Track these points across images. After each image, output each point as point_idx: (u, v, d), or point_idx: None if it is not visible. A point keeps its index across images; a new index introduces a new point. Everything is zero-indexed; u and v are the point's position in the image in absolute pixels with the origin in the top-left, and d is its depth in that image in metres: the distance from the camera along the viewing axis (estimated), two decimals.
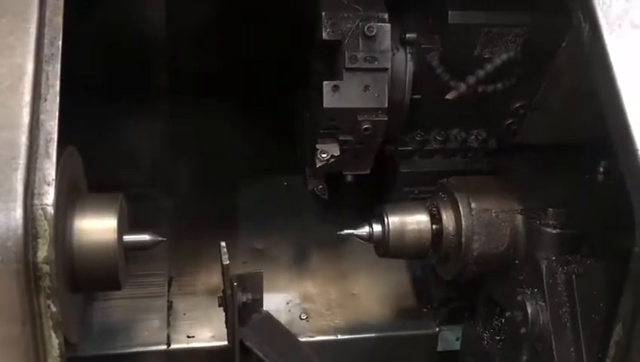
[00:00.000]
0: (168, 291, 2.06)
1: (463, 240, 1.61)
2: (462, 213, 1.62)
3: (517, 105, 1.78)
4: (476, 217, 1.61)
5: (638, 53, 1.30)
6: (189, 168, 2.24)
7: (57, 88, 1.19)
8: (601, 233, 1.53)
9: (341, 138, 1.77)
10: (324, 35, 1.68)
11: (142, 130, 2.20)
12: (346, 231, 1.68)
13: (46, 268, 1.13)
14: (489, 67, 1.67)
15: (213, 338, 1.97)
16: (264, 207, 2.26)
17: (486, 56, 1.70)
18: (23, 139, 1.13)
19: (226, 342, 1.67)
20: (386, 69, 1.70)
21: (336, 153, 1.77)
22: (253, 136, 2.26)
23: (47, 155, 1.15)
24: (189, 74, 2.22)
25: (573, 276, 1.51)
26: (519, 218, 1.61)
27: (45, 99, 1.18)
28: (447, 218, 1.64)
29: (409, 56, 1.80)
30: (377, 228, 1.66)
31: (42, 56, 1.20)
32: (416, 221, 1.66)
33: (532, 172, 1.72)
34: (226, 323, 1.61)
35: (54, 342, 1.15)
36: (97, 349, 1.91)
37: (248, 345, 1.57)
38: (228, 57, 2.20)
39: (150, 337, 1.97)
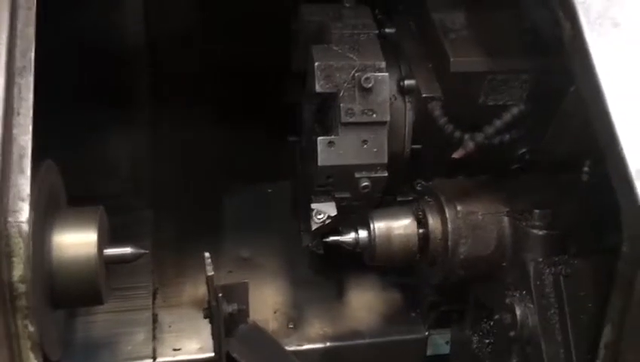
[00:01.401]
0: (153, 303, 2.04)
1: (450, 243, 1.59)
2: (448, 216, 1.59)
3: (523, 150, 1.72)
4: (462, 220, 1.59)
5: (620, 51, 1.29)
6: (170, 177, 2.20)
7: (31, 102, 1.17)
8: (588, 233, 1.52)
9: (337, 195, 1.68)
10: (318, 88, 1.58)
11: (122, 139, 2.17)
12: (332, 238, 1.66)
13: (22, 287, 1.10)
14: (499, 123, 1.59)
15: (201, 350, 1.95)
16: (249, 215, 2.24)
17: (491, 104, 1.63)
18: None
19: (212, 354, 1.64)
20: (385, 122, 1.60)
21: (333, 213, 1.67)
22: (236, 143, 2.24)
23: (21, 171, 1.13)
24: (170, 81, 2.19)
25: (561, 277, 1.49)
26: (505, 220, 1.59)
27: (18, 113, 1.15)
28: (434, 221, 1.62)
29: (408, 105, 1.70)
30: (363, 234, 1.63)
31: (14, 68, 1.16)
32: (403, 226, 1.63)
33: (517, 172, 1.71)
34: (212, 334, 1.59)
35: None
36: None
37: (235, 356, 1.55)
38: (209, 63, 2.18)
39: (135, 351, 1.95)
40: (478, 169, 1.70)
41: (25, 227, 1.10)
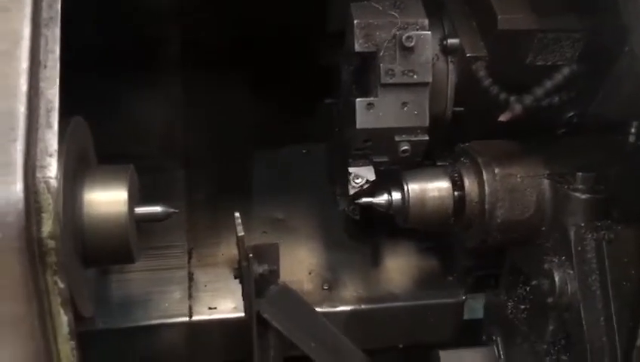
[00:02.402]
0: (189, 263, 2.05)
1: (487, 206, 1.54)
2: (485, 179, 1.54)
3: (570, 114, 1.64)
4: (500, 183, 1.54)
5: None
6: (204, 138, 2.19)
7: (57, 54, 1.14)
8: (632, 197, 1.45)
9: (375, 159, 1.64)
10: (357, 47, 1.52)
11: (155, 101, 2.15)
12: (365, 200, 1.63)
13: (51, 243, 1.09)
14: (549, 84, 1.51)
15: (236, 309, 1.96)
16: (283, 176, 2.21)
17: (539, 64, 1.55)
18: (22, 108, 1.07)
19: None
20: (427, 84, 1.54)
21: (372, 178, 1.63)
22: (269, 104, 2.20)
23: (49, 125, 1.11)
24: (203, 43, 2.16)
25: (604, 242, 1.44)
26: (545, 183, 1.54)
27: (45, 66, 1.12)
28: (470, 184, 1.57)
29: (451, 65, 1.63)
30: (397, 196, 1.60)
31: (40, 19, 1.13)
32: (437, 188, 1.59)
33: (558, 135, 1.64)
34: (243, 295, 1.59)
35: (63, 319, 1.12)
36: (118, 322, 1.92)
37: (266, 317, 1.55)
38: (240, 26, 2.14)
39: (171, 309, 1.97)
40: (523, 133, 1.63)
41: (54, 183, 1.09)
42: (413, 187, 1.59)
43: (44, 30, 1.13)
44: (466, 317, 2.03)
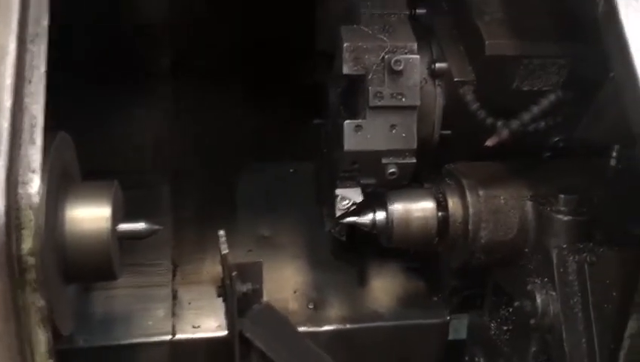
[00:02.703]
0: (172, 280, 2.04)
1: (470, 227, 1.55)
2: (469, 200, 1.55)
3: (556, 138, 1.67)
4: (484, 204, 1.55)
5: None
6: (191, 154, 2.19)
7: (43, 70, 1.14)
8: (614, 219, 1.47)
9: (363, 181, 1.64)
10: (346, 70, 1.53)
11: (143, 115, 2.16)
12: (349, 219, 1.63)
13: (31, 260, 1.09)
14: (536, 110, 1.53)
15: (219, 327, 1.94)
16: (270, 194, 2.22)
17: (525, 89, 1.57)
18: (5, 124, 1.07)
19: None
20: (415, 107, 1.55)
21: (358, 199, 1.64)
22: (258, 121, 2.21)
23: (32, 141, 1.11)
24: (192, 58, 2.17)
25: (586, 264, 1.44)
26: (529, 204, 1.55)
27: (30, 82, 1.13)
28: (454, 205, 1.58)
29: (439, 89, 1.64)
30: (381, 215, 1.60)
31: (26, 35, 1.14)
32: (422, 208, 1.59)
33: (542, 157, 1.65)
34: (226, 313, 1.58)
35: (41, 337, 1.11)
36: (101, 340, 1.90)
37: (248, 336, 1.54)
38: (232, 39, 2.15)
39: (155, 327, 1.96)
40: (510, 156, 1.64)
41: (35, 199, 1.09)
42: (398, 207, 1.59)
43: (30, 46, 1.14)
44: (450, 337, 2.03)
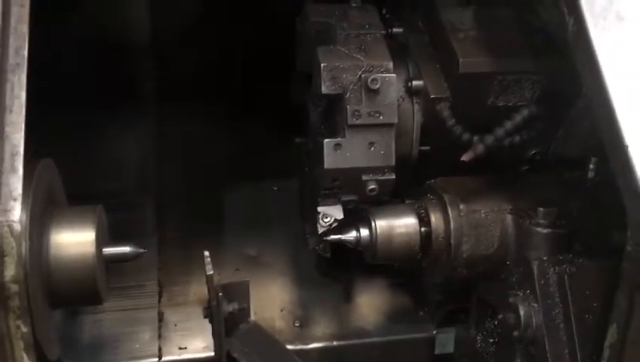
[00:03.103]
0: (159, 302, 2.03)
1: (453, 242, 1.57)
2: (450, 215, 1.57)
3: (533, 152, 1.69)
4: (465, 218, 1.57)
5: (624, 46, 1.26)
6: (176, 175, 2.20)
7: (23, 99, 1.16)
8: (592, 231, 1.49)
9: (344, 198, 1.66)
10: (324, 89, 1.56)
11: (128, 138, 2.16)
12: (333, 237, 1.64)
13: (14, 287, 1.10)
14: (509, 125, 1.56)
15: (206, 348, 1.94)
16: (255, 213, 2.22)
17: (500, 105, 1.60)
18: None
19: None
20: (393, 124, 1.58)
21: (340, 216, 1.66)
22: (242, 141, 2.22)
23: (14, 170, 1.12)
24: (176, 79, 2.19)
25: (566, 276, 1.46)
26: (509, 218, 1.57)
27: (11, 111, 1.15)
28: (436, 220, 1.60)
29: (416, 106, 1.67)
30: (365, 232, 1.61)
31: (7, 65, 1.16)
32: (405, 224, 1.61)
33: (521, 171, 1.68)
34: (213, 334, 1.58)
35: None
36: None
37: (236, 356, 1.54)
38: (215, 61, 2.17)
39: (141, 350, 1.94)
40: (488, 170, 1.67)
41: (17, 227, 1.10)
42: (381, 223, 1.61)
43: (10, 76, 1.16)
44: (437, 351, 2.03)
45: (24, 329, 1.10)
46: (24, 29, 1.19)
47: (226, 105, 2.20)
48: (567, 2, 1.30)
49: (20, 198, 1.10)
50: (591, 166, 1.47)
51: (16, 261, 1.09)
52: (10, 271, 1.09)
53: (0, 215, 1.09)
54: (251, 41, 2.12)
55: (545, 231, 1.50)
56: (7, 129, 1.13)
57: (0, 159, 1.11)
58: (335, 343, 2.02)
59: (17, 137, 1.13)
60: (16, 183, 1.11)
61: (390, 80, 1.58)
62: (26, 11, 1.20)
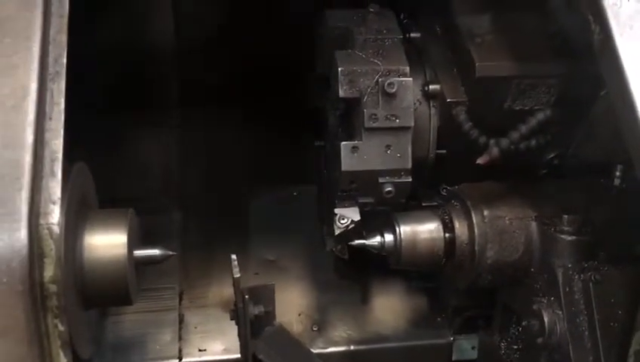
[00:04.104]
0: (179, 304, 2.05)
1: (477, 248, 1.58)
2: (474, 221, 1.58)
3: (551, 156, 1.70)
4: (489, 225, 1.58)
5: None
6: (199, 179, 2.22)
7: (62, 106, 1.18)
8: (618, 239, 1.49)
9: (361, 200, 1.67)
10: (341, 93, 1.58)
11: (152, 143, 2.19)
12: (357, 242, 1.66)
13: (53, 287, 1.11)
14: (524, 129, 1.57)
15: (226, 351, 1.96)
16: (275, 218, 2.24)
17: (517, 109, 1.61)
18: (27, 158, 1.11)
19: (238, 355, 1.65)
20: (409, 128, 1.60)
21: (357, 218, 1.67)
22: (263, 146, 2.25)
23: (53, 174, 1.14)
24: (199, 85, 2.21)
25: (591, 283, 1.47)
26: (533, 225, 1.58)
27: (50, 118, 1.17)
28: (460, 226, 1.61)
29: (433, 110, 1.69)
30: (389, 237, 1.63)
31: (46, 74, 1.18)
32: (429, 230, 1.62)
33: (545, 177, 1.69)
34: (239, 336, 1.59)
35: (63, 361, 1.14)
36: None
37: (261, 358, 1.56)
38: (238, 68, 2.20)
39: (162, 351, 1.96)
40: (505, 174, 1.68)
41: (56, 229, 1.11)
42: (405, 229, 1.62)
43: (49, 84, 1.18)
44: (454, 358, 2.04)
45: (61, 328, 1.12)
46: (63, 38, 1.22)
47: (247, 110, 2.23)
48: (592, 10, 1.31)
49: (58, 202, 1.12)
50: (617, 173, 1.48)
51: (55, 262, 1.11)
52: (49, 273, 1.10)
53: (40, 218, 1.10)
54: (271, 47, 2.15)
55: (570, 238, 1.51)
56: (47, 135, 1.15)
57: (40, 164, 1.13)
58: (352, 347, 2.03)
59: (56, 143, 1.16)
60: (55, 188, 1.13)
61: (407, 84, 1.60)
62: (65, 22, 1.23)
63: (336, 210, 1.69)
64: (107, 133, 2.06)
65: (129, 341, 1.97)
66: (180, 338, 1.99)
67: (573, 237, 1.51)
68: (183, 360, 1.96)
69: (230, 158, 2.23)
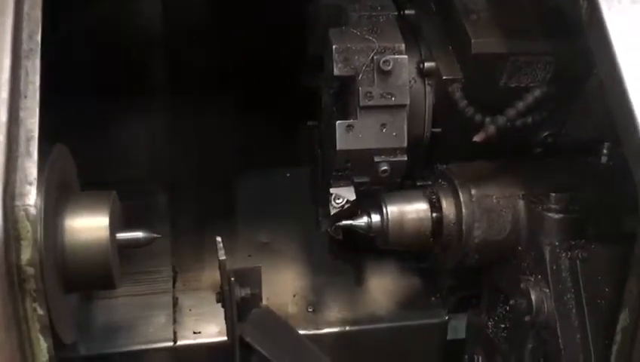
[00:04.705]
0: (173, 287, 2.06)
1: (464, 227, 1.57)
2: (462, 200, 1.57)
3: (545, 134, 1.69)
4: (477, 204, 1.57)
5: (638, 28, 1.25)
6: (188, 162, 2.22)
7: (37, 84, 1.16)
8: (605, 217, 1.48)
9: (356, 180, 1.67)
10: (336, 71, 1.57)
11: (141, 126, 2.18)
12: (345, 223, 1.65)
13: (30, 270, 1.11)
14: (521, 105, 1.56)
15: (220, 333, 1.95)
16: (268, 199, 2.24)
17: (512, 86, 1.59)
18: (1, 138, 1.10)
19: None
20: (405, 105, 1.59)
21: (352, 198, 1.66)
22: (254, 128, 2.23)
23: (29, 154, 1.13)
24: (187, 68, 2.20)
25: (578, 261, 1.46)
26: (521, 203, 1.57)
27: (25, 96, 1.15)
28: (447, 205, 1.60)
29: (428, 88, 1.68)
30: (376, 218, 1.62)
31: (20, 51, 1.16)
32: (416, 210, 1.61)
33: (533, 156, 1.67)
34: (225, 319, 1.59)
35: (42, 345, 1.14)
36: (102, 348, 1.92)
37: (248, 340, 1.55)
38: (227, 52, 2.18)
39: (156, 334, 1.97)
40: (500, 153, 1.66)
41: (32, 210, 1.11)
42: (392, 209, 1.61)
43: (24, 62, 1.16)
44: (449, 337, 2.04)
45: (40, 311, 1.12)
46: (37, 14, 1.19)
47: (236, 94, 2.21)
48: None
49: (35, 183, 1.11)
50: (604, 150, 1.47)
51: (32, 244, 1.10)
52: (26, 255, 1.10)
53: (16, 199, 1.10)
54: (261, 31, 2.13)
55: (557, 216, 1.50)
56: (22, 114, 1.14)
57: (15, 144, 1.12)
58: (347, 328, 2.03)
59: (32, 122, 1.14)
60: (31, 168, 1.12)
61: (402, 61, 1.58)
62: None
63: (332, 190, 1.68)
64: (96, 117, 2.05)
65: (123, 324, 1.98)
66: (175, 321, 2.00)
67: (561, 215, 1.50)
68: (178, 342, 1.96)
69: (220, 140, 2.22)
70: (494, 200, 1.57)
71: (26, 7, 1.19)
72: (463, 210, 1.57)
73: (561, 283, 1.47)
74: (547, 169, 1.62)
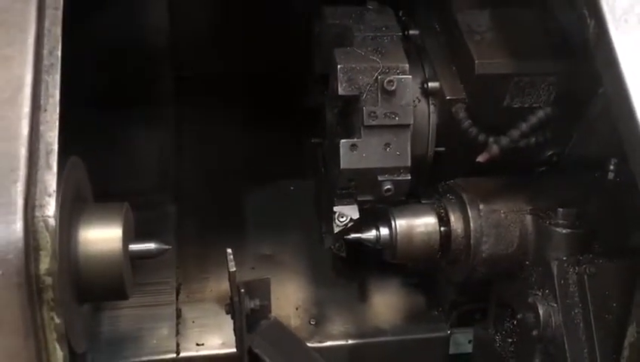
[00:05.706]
0: (177, 299, 2.06)
1: (472, 241, 1.59)
2: (470, 215, 1.59)
3: (550, 153, 1.70)
4: (485, 218, 1.58)
5: None
6: (194, 174, 2.23)
7: (57, 98, 1.19)
8: (612, 232, 1.50)
9: (360, 198, 1.67)
10: (340, 91, 1.58)
11: (147, 137, 2.20)
12: (353, 236, 1.66)
13: (48, 280, 1.12)
14: (524, 127, 1.57)
15: (223, 345, 1.96)
16: (271, 212, 2.25)
17: (516, 106, 1.61)
18: (23, 150, 1.12)
19: (235, 349, 1.65)
20: (409, 125, 1.60)
21: (356, 216, 1.68)
22: (259, 141, 2.25)
23: (48, 166, 1.14)
24: (195, 80, 2.22)
25: (585, 276, 1.48)
26: (528, 218, 1.59)
27: (45, 110, 1.17)
28: (456, 220, 1.61)
29: (432, 107, 1.69)
30: (385, 231, 1.63)
31: (41, 66, 1.19)
32: (424, 223, 1.63)
33: (541, 171, 1.69)
34: (234, 330, 1.60)
35: (59, 354, 1.14)
36: (107, 359, 1.91)
37: (257, 351, 1.56)
38: (232, 62, 2.20)
39: (159, 346, 1.97)
40: (504, 172, 1.68)
41: (51, 221, 1.12)
42: (401, 223, 1.62)
43: (44, 76, 1.19)
44: (451, 351, 2.05)
45: (57, 320, 1.12)
46: (58, 30, 1.22)
47: (243, 107, 2.23)
48: (587, 5, 1.31)
49: (54, 194, 1.13)
50: (611, 166, 1.48)
51: (51, 254, 1.11)
52: (44, 265, 1.11)
53: (36, 210, 1.11)
54: (267, 43, 2.15)
55: (564, 231, 1.52)
56: (42, 127, 1.16)
57: (35, 156, 1.13)
58: (350, 342, 2.03)
59: (51, 135, 1.16)
60: (51, 180, 1.13)
61: (406, 81, 1.60)
62: (59, 14, 1.23)
63: (336, 208, 1.69)
64: (103, 129, 2.06)
65: (126, 335, 1.97)
66: (178, 333, 1.99)
67: (568, 230, 1.52)
68: (181, 354, 1.96)
69: (226, 153, 2.23)
70: (502, 215, 1.59)
71: (47, 24, 1.22)
72: (471, 224, 1.59)
73: (568, 298, 1.48)
74: (554, 184, 1.64)
